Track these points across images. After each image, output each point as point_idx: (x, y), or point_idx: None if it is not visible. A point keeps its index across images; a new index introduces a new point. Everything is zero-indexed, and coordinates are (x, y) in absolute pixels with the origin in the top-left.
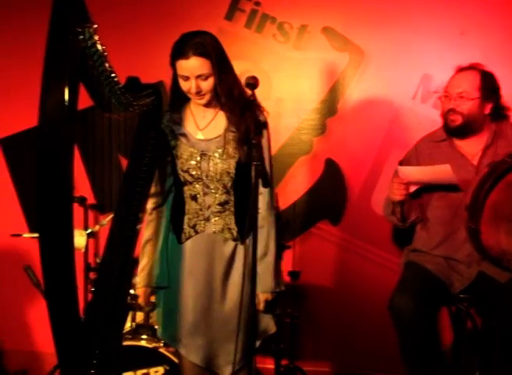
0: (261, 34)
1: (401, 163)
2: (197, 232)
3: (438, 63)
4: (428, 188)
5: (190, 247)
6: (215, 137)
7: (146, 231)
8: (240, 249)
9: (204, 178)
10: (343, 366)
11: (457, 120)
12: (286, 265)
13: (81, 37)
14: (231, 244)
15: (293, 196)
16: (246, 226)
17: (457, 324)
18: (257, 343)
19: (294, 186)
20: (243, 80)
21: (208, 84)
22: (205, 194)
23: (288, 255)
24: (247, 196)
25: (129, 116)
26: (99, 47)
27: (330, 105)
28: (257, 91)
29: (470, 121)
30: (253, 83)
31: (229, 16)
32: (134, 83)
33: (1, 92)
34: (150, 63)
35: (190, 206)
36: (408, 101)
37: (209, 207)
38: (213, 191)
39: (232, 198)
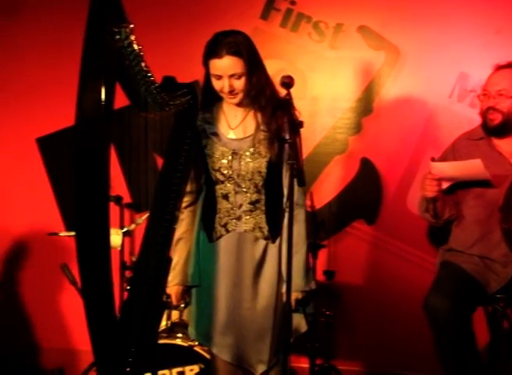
0: (296, 33)
1: (433, 159)
2: (228, 231)
3: (474, 62)
4: (463, 186)
5: (221, 246)
6: (247, 137)
7: (178, 229)
8: (271, 248)
9: (236, 177)
10: (377, 366)
11: (497, 119)
12: (321, 264)
13: (118, 36)
14: (262, 242)
15: (328, 195)
16: (279, 225)
17: (494, 324)
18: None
19: (329, 185)
20: (278, 80)
21: (240, 83)
22: (236, 193)
23: (323, 255)
24: (277, 195)
25: (165, 116)
26: (135, 46)
27: (366, 104)
28: (293, 91)
29: (509, 119)
30: (288, 82)
31: (265, 15)
32: (170, 83)
33: (38, 91)
34: (185, 62)
35: (222, 205)
36: (444, 100)
37: (240, 206)
38: (244, 189)
39: (263, 197)
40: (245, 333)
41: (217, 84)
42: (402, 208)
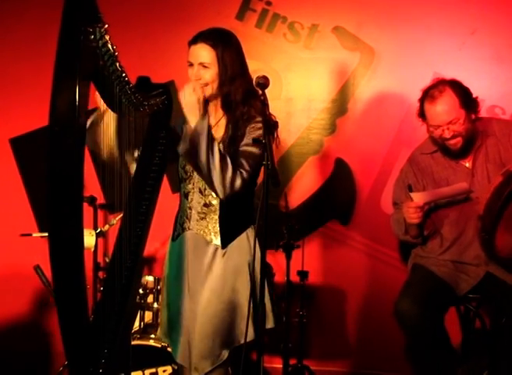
0: (271, 34)
1: (410, 188)
2: (183, 230)
3: (449, 62)
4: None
5: (178, 245)
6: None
7: None
8: (220, 254)
9: (195, 177)
10: (350, 366)
11: (458, 142)
12: (295, 264)
13: (92, 37)
14: (212, 247)
15: (302, 196)
16: (233, 232)
17: (466, 324)
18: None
19: (304, 185)
20: (253, 80)
21: (207, 75)
22: (194, 193)
23: (297, 255)
24: (235, 201)
25: (140, 116)
26: (110, 47)
27: (340, 105)
28: (268, 91)
29: (468, 136)
30: (263, 82)
31: (240, 16)
32: (145, 83)
33: (12, 92)
34: (160, 63)
35: (183, 204)
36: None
37: (195, 206)
38: (201, 190)
39: (217, 202)
40: (191, 334)
41: (189, 72)
42: (376, 209)
